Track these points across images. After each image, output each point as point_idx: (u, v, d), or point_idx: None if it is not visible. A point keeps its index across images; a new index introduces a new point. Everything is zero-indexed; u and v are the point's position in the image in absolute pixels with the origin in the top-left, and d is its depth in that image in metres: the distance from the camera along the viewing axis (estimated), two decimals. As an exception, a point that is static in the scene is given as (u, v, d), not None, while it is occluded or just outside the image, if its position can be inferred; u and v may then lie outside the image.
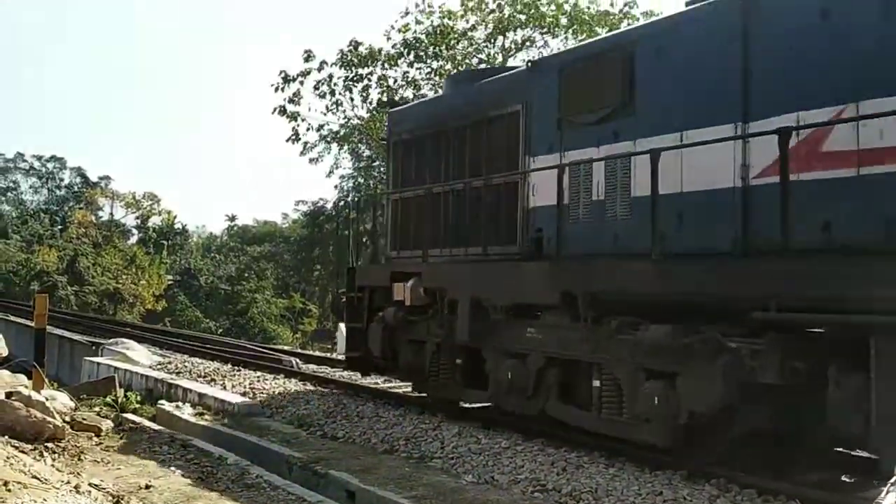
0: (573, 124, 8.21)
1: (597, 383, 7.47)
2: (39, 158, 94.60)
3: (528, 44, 23.69)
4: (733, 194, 6.54)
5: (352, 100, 24.78)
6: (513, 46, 23.94)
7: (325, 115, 24.98)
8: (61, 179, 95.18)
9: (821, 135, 5.97)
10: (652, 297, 6.91)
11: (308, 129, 25.41)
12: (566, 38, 23.02)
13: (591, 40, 10.44)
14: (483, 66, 24.05)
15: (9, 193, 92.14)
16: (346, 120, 25.27)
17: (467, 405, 9.60)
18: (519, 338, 8.36)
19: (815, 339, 5.95)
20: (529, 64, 9.27)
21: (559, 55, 9.87)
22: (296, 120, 24.98)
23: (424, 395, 10.13)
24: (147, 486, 6.59)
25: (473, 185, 9.38)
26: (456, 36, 23.65)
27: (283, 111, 24.71)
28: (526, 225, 8.68)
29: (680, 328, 6.58)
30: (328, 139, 26.51)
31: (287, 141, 25.30)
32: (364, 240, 12.62)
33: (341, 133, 26.29)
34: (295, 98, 24.57)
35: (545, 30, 23.01)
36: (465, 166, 9.72)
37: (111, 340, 18.21)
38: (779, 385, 5.91)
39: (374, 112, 24.26)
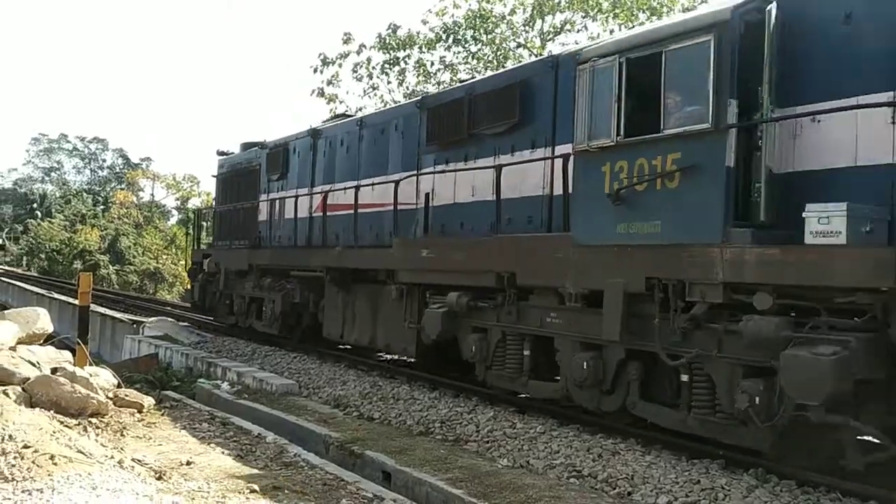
0: (272, 179, 15.78)
1: (266, 309, 14.54)
2: (83, 139, 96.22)
3: (567, 27, 23.45)
4: (309, 220, 13.80)
5: (389, 83, 24.78)
6: (552, 30, 23.73)
7: (361, 98, 25.09)
8: (104, 160, 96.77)
9: (328, 195, 13.04)
10: (270, 265, 14.66)
11: (345, 112, 25.47)
12: (606, 22, 22.75)
13: (278, 137, 16.23)
14: (520, 49, 23.92)
15: (53, 174, 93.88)
16: (383, 104, 25.26)
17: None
18: (241, 288, 15.71)
19: (309, 281, 13.25)
20: (261, 145, 16.55)
21: (269, 143, 16.37)
22: (333, 102, 25.07)
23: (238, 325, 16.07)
24: (188, 463, 6.67)
25: (243, 207, 16.79)
26: (494, 20, 23.48)
27: (321, 93, 24.79)
28: (257, 230, 15.91)
29: (275, 279, 14.32)
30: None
31: (324, 123, 25.40)
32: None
33: None
34: (333, 80, 24.64)
35: (585, 14, 22.72)
36: (242, 195, 17.03)
37: (152, 319, 18.52)
38: (303, 302, 13.54)
39: (411, 96, 24.20)
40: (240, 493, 5.69)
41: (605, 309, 7.26)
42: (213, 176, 18.65)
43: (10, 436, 5.66)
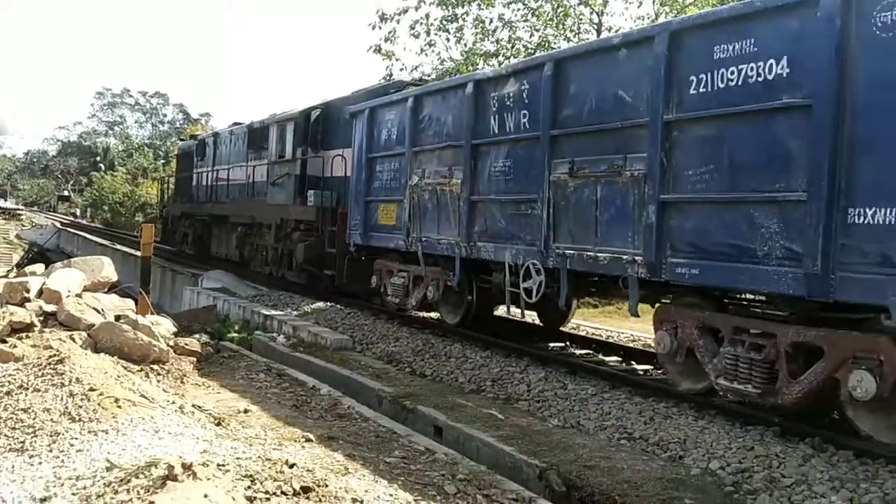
0: (198, 160, 22.96)
1: (188, 238, 23.75)
2: (144, 94, 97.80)
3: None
4: (209, 187, 21.88)
5: (447, 40, 24.48)
6: (614, -13, 23.13)
7: (418, 55, 24.90)
8: (164, 115, 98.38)
9: (215, 172, 21.59)
10: (190, 212, 23.47)
11: (401, 70, 25.32)
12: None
13: (204, 134, 24.55)
14: (581, 7, 23.43)
15: (116, 128, 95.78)
16: (440, 62, 25.02)
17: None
18: (180, 226, 24.49)
19: (206, 221, 22.37)
20: (194, 137, 25.85)
21: (199, 136, 25.02)
22: (390, 59, 24.89)
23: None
24: (245, 411, 6.85)
25: (184, 176, 24.63)
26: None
27: (378, 49, 24.63)
28: (190, 191, 23.40)
29: (192, 221, 23.34)
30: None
31: (381, 81, 25.28)
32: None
33: (433, 76, 26.04)
34: (390, 37, 24.42)
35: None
36: (185, 169, 24.64)
37: (211, 271, 18.89)
38: (203, 234, 22.38)
39: (468, 54, 23.91)
40: (296, 441, 5.81)
41: (271, 232, 16.83)
42: (174, 155, 31.18)
43: (78, 378, 5.86)
